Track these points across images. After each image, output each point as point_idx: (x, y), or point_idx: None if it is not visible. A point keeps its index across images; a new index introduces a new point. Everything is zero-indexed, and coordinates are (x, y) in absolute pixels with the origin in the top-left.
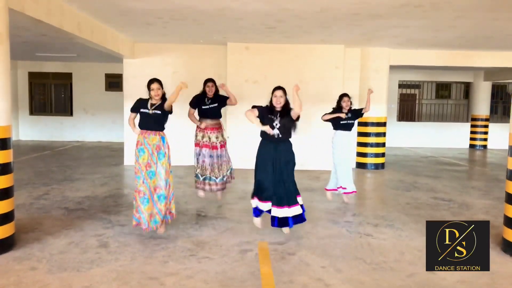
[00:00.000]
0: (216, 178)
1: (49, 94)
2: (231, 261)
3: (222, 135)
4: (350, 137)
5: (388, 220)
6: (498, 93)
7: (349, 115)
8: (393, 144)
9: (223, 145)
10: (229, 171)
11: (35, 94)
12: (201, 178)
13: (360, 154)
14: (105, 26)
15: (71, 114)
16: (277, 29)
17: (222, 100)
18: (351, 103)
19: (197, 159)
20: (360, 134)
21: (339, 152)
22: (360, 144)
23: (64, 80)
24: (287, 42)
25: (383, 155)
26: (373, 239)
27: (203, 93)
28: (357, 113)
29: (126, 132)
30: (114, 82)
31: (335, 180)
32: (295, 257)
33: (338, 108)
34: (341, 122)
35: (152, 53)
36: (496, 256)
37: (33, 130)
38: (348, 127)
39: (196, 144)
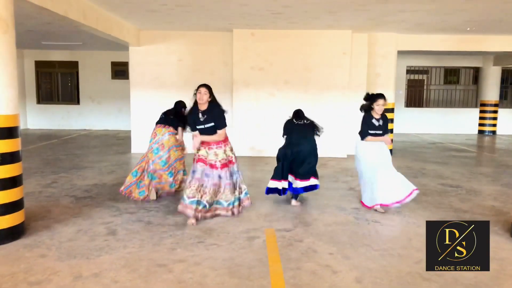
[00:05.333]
0: (208, 203)
1: (56, 83)
2: (238, 248)
3: (224, 152)
4: (381, 146)
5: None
6: (507, 78)
7: (381, 122)
8: (401, 131)
9: (225, 164)
10: (240, 196)
11: (42, 83)
12: (187, 201)
13: None
14: (110, 14)
15: (78, 103)
16: (283, 15)
17: (218, 117)
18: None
19: (190, 176)
20: None
21: (367, 164)
22: None
23: (70, 69)
24: (293, 28)
25: (390, 141)
26: (381, 225)
27: (194, 103)
28: (387, 125)
29: (133, 121)
30: (120, 70)
31: (369, 192)
32: (303, 244)
33: (368, 111)
34: (370, 132)
35: (158, 40)
36: (504, 242)
37: (40, 118)
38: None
39: (193, 160)
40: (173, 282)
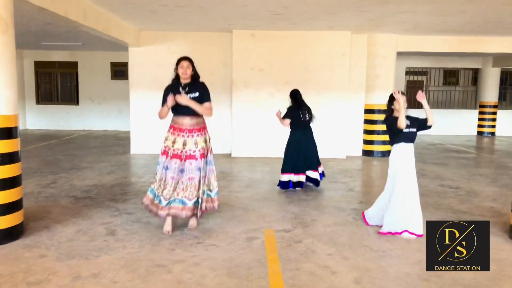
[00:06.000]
0: (189, 199)
1: (55, 83)
2: (237, 248)
3: (205, 141)
4: (412, 151)
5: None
6: (506, 79)
7: (408, 122)
8: None
9: (204, 154)
10: (209, 193)
11: (42, 83)
12: (165, 203)
13: (367, 142)
14: (110, 14)
15: (77, 103)
16: (282, 16)
17: (203, 90)
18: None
19: (161, 174)
20: (367, 121)
21: (403, 174)
22: (367, 132)
23: (70, 69)
24: (293, 29)
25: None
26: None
27: (176, 78)
28: (420, 122)
29: (133, 121)
30: (119, 71)
31: (399, 214)
32: (302, 245)
33: (389, 112)
34: (404, 130)
35: (157, 41)
36: (503, 243)
37: (40, 119)
38: (412, 138)
39: (164, 152)
40: (172, 282)
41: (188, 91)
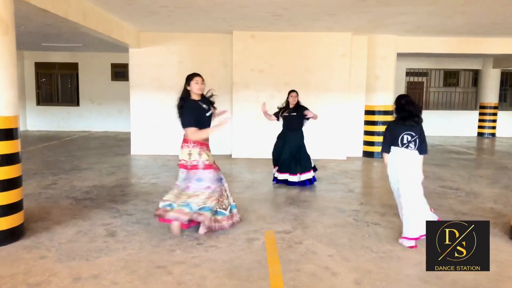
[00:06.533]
0: (224, 209)
1: (56, 84)
2: (238, 250)
3: (208, 154)
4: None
5: (395, 209)
6: (507, 80)
7: None
8: None
9: (208, 166)
10: (228, 209)
11: (42, 84)
12: (227, 213)
13: (367, 143)
14: (110, 15)
15: (78, 104)
16: (283, 17)
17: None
18: None
19: (217, 186)
20: (367, 122)
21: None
22: (367, 133)
23: (70, 70)
24: (293, 30)
25: None
26: (380, 228)
27: (185, 93)
28: None
29: (133, 122)
30: (120, 72)
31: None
32: (302, 246)
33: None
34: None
35: (158, 42)
36: (504, 244)
37: (40, 120)
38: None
39: (183, 166)
40: (173, 283)
41: (208, 110)
